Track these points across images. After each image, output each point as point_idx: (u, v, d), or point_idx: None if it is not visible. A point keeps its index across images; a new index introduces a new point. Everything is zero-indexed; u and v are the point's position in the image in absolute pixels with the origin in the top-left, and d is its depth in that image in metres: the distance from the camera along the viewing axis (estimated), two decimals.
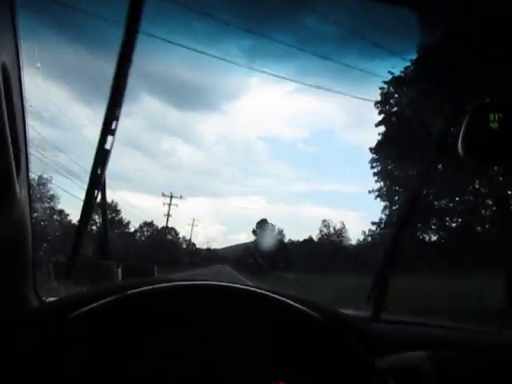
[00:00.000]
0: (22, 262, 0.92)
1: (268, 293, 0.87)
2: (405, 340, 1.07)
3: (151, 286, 0.86)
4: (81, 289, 1.24)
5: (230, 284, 0.89)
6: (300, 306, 0.85)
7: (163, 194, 26.60)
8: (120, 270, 1.37)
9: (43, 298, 1.02)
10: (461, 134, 0.72)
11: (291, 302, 0.86)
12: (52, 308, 0.95)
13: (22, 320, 0.89)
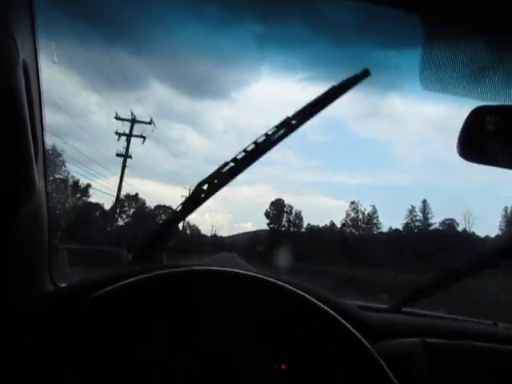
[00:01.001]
0: (39, 249, 0.96)
1: (271, 279, 0.90)
2: (400, 327, 1.08)
3: (162, 271, 0.89)
4: (94, 274, 1.28)
5: (234, 270, 0.92)
6: (302, 293, 0.88)
7: (117, 117, 16.49)
8: (130, 256, 1.40)
9: (58, 284, 1.06)
10: (458, 135, 0.74)
11: (293, 288, 0.88)
12: (68, 292, 0.99)
13: (39, 305, 0.93)
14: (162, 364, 0.88)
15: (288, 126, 1.08)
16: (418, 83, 0.94)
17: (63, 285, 1.06)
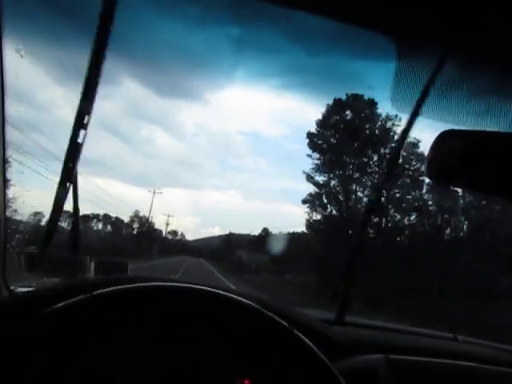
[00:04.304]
0: None
1: (233, 295, 0.89)
2: (363, 343, 1.09)
3: (122, 286, 0.86)
4: (52, 282, 1.23)
5: (196, 286, 0.91)
6: (263, 310, 0.87)
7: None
8: (93, 264, 1.36)
9: (12, 288, 1.01)
10: (426, 157, 0.77)
11: (255, 305, 0.88)
12: (21, 301, 0.94)
13: None
14: (122, 379, 0.85)
15: None
16: (386, 98, 0.96)
17: (18, 290, 1.02)
